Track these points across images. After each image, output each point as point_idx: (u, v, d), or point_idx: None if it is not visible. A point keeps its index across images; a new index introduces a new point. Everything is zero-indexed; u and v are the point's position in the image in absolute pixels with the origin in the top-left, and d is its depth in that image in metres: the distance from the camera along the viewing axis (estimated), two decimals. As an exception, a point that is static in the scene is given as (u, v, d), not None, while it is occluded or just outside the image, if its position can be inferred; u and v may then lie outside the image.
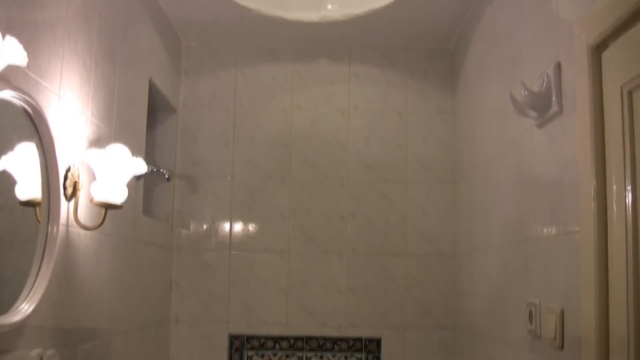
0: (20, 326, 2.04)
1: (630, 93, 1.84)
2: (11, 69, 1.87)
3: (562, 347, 2.24)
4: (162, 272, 3.88)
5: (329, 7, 3.86)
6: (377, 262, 4.07)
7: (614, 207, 1.92)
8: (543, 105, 2.41)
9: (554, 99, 2.35)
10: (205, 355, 4.00)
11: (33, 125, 2.11)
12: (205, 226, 4.10)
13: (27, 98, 2.00)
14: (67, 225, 2.42)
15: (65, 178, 2.39)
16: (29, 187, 2.15)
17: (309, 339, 4.01)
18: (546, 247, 2.42)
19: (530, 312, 2.53)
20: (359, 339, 4.03)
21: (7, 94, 1.90)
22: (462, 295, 3.84)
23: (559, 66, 2.34)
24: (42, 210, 2.19)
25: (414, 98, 4.20)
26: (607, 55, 1.98)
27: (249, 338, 4.01)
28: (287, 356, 4.00)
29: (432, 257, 4.07)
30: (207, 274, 4.05)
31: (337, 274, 4.07)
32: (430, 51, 4.25)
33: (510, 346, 2.86)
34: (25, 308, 2.03)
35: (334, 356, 4.01)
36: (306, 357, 4.00)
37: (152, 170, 3.69)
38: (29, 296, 2.07)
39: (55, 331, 2.34)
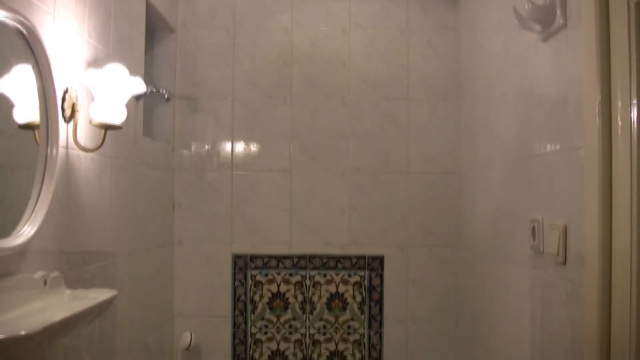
0: (23, 249, 2.05)
1: (637, 4, 1.80)
2: (2, -13, 1.83)
3: (564, 262, 2.26)
4: (164, 193, 3.89)
5: None
6: (379, 181, 4.07)
7: (618, 122, 1.90)
8: (547, 19, 2.37)
9: (558, 11, 2.30)
10: (209, 276, 4.05)
11: (28, 47, 2.07)
12: (206, 147, 4.09)
13: (20, 18, 1.96)
14: (67, 147, 2.41)
15: (63, 100, 2.36)
16: (26, 110, 2.13)
17: (312, 257, 4.05)
18: (550, 164, 2.41)
19: (533, 228, 2.54)
20: (362, 257, 4.06)
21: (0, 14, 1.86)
22: (465, 212, 3.85)
23: (564, -22, 2.29)
24: (40, 133, 2.17)
25: (416, 14, 4.12)
26: (614, -36, 1.93)
27: (253, 257, 4.05)
28: (290, 275, 4.04)
29: (435, 175, 4.07)
30: (210, 194, 4.06)
31: (340, 193, 4.08)
32: (432, -35, 4.16)
33: (512, 262, 2.88)
34: (27, 231, 2.04)
35: (337, 274, 4.05)
36: (309, 276, 4.04)
37: (151, 91, 3.66)
38: (31, 219, 2.08)
39: (58, 254, 2.35)
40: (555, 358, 2.36)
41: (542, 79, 2.52)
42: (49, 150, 2.19)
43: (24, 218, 2.07)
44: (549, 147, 2.43)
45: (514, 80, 2.89)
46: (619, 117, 1.90)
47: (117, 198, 2.99)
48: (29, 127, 2.15)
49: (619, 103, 1.90)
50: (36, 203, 2.12)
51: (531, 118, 2.65)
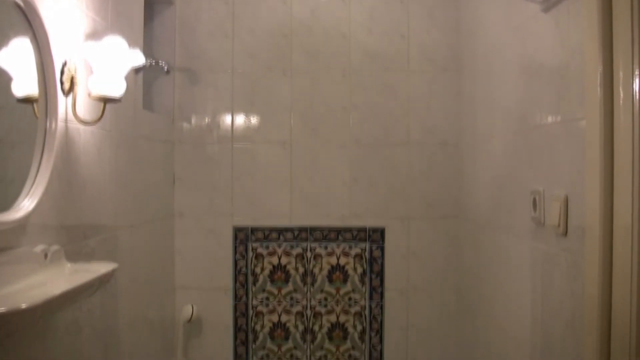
0: (23, 223, 2.04)
1: (640, -26, 1.79)
2: (-2, -41, 1.81)
3: (565, 233, 2.26)
4: (164, 166, 3.88)
5: None
6: (380, 153, 4.06)
7: (620, 93, 1.89)
8: (549, -11, 2.35)
9: (560, -19, 2.29)
10: (210, 249, 4.06)
11: (26, 20, 2.06)
12: (206, 119, 4.07)
13: (17, -10, 1.94)
14: (66, 120, 2.40)
15: (62, 73, 2.35)
16: (25, 84, 2.11)
17: (313, 229, 4.05)
18: (551, 135, 2.41)
19: (534, 199, 2.53)
20: (363, 229, 4.06)
21: (-4, -13, 1.85)
22: (466, 184, 3.85)
23: (566, -53, 2.27)
24: (39, 106, 2.16)
25: (417, -16, 4.10)
26: None
27: (254, 230, 4.05)
28: (291, 247, 4.05)
29: (435, 147, 4.06)
30: (210, 167, 4.06)
31: (341, 165, 4.07)
32: None
33: (513, 234, 2.88)
34: (27, 204, 2.03)
35: (338, 246, 4.05)
36: (310, 248, 4.05)
37: (150, 64, 3.64)
38: (31, 192, 2.07)
39: (58, 227, 2.35)
40: (556, 329, 2.37)
41: (543, 50, 2.50)
42: (48, 123, 2.18)
43: (24, 192, 2.06)
44: (550, 118, 2.42)
45: (514, 51, 2.87)
46: (620, 88, 1.89)
47: (117, 171, 2.98)
48: (27, 100, 2.13)
49: (621, 74, 1.89)
50: (36, 177, 2.11)
51: (532, 89, 2.64)
